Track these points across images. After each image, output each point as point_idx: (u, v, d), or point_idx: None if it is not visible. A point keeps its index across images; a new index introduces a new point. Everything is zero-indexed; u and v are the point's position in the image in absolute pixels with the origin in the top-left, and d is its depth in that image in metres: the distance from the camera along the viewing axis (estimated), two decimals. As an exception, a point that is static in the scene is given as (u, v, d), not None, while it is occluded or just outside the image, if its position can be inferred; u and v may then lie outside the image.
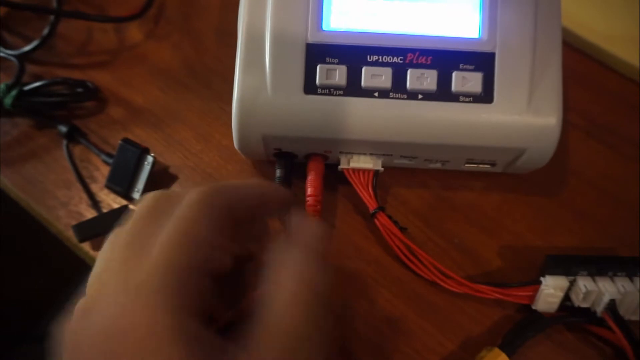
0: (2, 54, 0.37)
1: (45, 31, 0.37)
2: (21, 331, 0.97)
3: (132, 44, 0.39)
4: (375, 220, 0.31)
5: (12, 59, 0.36)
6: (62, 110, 0.36)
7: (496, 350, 0.29)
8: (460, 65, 0.28)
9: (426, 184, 0.34)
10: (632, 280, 0.29)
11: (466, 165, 0.32)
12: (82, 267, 0.35)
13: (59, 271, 0.92)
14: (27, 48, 0.37)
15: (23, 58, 0.36)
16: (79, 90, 0.36)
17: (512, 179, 0.34)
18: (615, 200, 0.34)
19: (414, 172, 0.34)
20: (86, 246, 0.33)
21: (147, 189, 0.33)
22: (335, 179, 0.33)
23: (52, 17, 0.37)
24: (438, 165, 0.33)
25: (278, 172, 0.32)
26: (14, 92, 0.34)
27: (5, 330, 0.90)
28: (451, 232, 0.33)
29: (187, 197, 0.20)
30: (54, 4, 0.38)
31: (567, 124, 0.36)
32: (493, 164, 0.32)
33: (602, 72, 0.38)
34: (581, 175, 0.35)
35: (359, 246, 0.32)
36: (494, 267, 0.32)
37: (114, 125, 0.36)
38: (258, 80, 0.28)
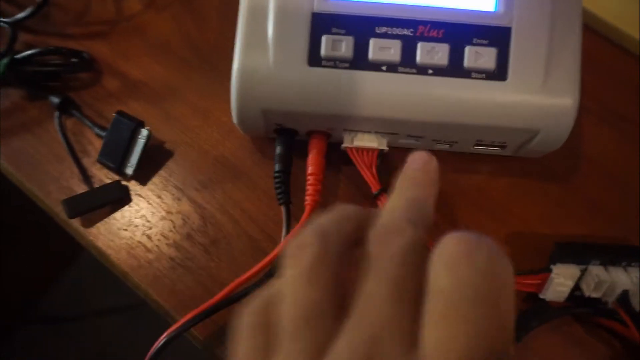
0: (-6, 21, 0.35)
1: (40, -1, 0.35)
2: (19, 311, 0.96)
3: (131, 15, 0.38)
4: (378, 202, 0.30)
5: (5, 26, 0.35)
6: (56, 81, 0.35)
7: None
8: (474, 40, 0.27)
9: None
10: None
11: (475, 147, 0.31)
12: (76, 246, 0.33)
13: (53, 248, 0.91)
14: (21, 15, 0.35)
15: (16, 26, 0.35)
16: (74, 60, 0.35)
17: (522, 163, 0.33)
18: (628, 190, 0.33)
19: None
20: (76, 222, 0.32)
21: (140, 164, 0.32)
22: (337, 158, 0.31)
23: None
24: (446, 147, 0.31)
25: (278, 149, 0.30)
26: (5, 60, 0.33)
27: (3, 311, 0.89)
28: (457, 217, 0.32)
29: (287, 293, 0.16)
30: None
31: (580, 108, 0.35)
32: (503, 147, 0.30)
33: (615, 54, 0.36)
34: (594, 162, 0.33)
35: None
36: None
37: (109, 98, 0.35)
38: (259, 51, 0.27)
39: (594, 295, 0.28)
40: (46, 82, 0.35)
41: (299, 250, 0.16)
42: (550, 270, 0.28)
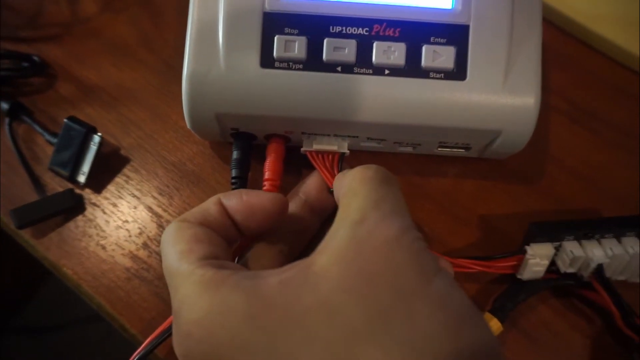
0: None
1: (-10, 0, 0.34)
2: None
3: (86, 17, 0.36)
4: (340, 207, 0.29)
5: (-49, 29, 0.33)
6: (7, 86, 0.34)
7: (487, 314, 0.27)
8: (431, 39, 0.26)
9: (397, 169, 0.32)
10: (619, 241, 0.27)
11: (439, 149, 0.30)
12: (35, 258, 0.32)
13: (31, 259, 0.90)
14: (-31, 18, 0.34)
15: (-36, 29, 0.34)
16: (25, 64, 0.33)
17: (489, 165, 0.32)
18: (597, 189, 0.32)
19: (384, 157, 0.32)
20: (26, 233, 0.30)
21: (94, 171, 0.31)
22: (298, 162, 0.30)
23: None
24: (409, 149, 0.30)
25: (234, 155, 0.29)
26: (-49, 65, 0.31)
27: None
28: (424, 221, 0.31)
29: None
30: (-2, -29, 0.35)
31: (549, 108, 0.34)
32: (467, 148, 0.30)
33: (587, 54, 0.36)
34: (562, 162, 0.33)
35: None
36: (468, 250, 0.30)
37: (63, 103, 0.34)
38: (210, 53, 0.26)
39: (570, 270, 0.27)
40: (-5, 87, 0.33)
41: None
42: (524, 252, 0.27)
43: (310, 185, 0.28)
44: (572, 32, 0.36)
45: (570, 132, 0.33)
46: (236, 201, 0.23)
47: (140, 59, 0.35)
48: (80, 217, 0.31)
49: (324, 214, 0.29)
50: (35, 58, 0.34)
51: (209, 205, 0.23)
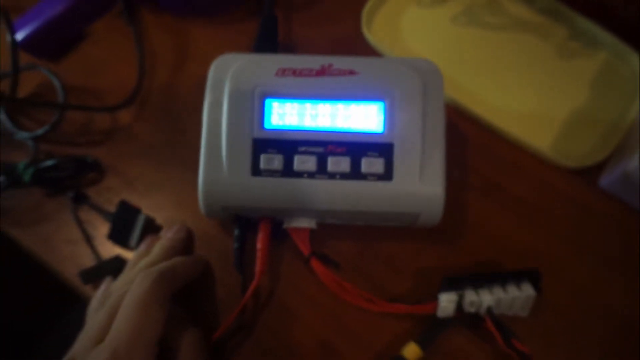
0: (20, 137, 0.47)
1: (55, 118, 0.47)
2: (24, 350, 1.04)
3: (123, 125, 0.49)
4: (311, 264, 0.41)
5: (29, 142, 0.46)
6: (69, 180, 0.46)
7: (412, 343, 0.38)
8: (368, 153, 0.38)
9: (354, 235, 0.43)
10: (504, 289, 0.39)
11: (381, 221, 0.42)
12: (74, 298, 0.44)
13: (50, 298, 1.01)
14: (40, 132, 0.47)
15: (38, 140, 0.46)
16: (82, 164, 0.46)
17: (422, 230, 0.44)
18: (501, 247, 0.43)
19: (345, 227, 0.43)
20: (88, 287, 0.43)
21: (140, 238, 0.43)
22: (281, 233, 0.42)
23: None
24: (361, 222, 0.42)
25: (236, 232, 0.42)
26: (31, 170, 0.44)
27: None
28: (374, 276, 0.42)
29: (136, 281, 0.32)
30: (61, 99, 0.47)
31: (467, 185, 0.46)
32: (401, 222, 0.42)
33: (496, 141, 0.47)
34: (477, 226, 0.44)
35: (298, 284, 0.42)
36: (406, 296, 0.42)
37: (107, 192, 0.46)
38: (217, 166, 0.38)
39: (471, 310, 0.38)
40: (61, 182, 0.46)
41: None
42: (437, 299, 0.39)
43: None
44: (485, 125, 0.48)
45: (482, 203, 0.45)
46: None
47: (164, 156, 0.47)
48: (125, 278, 0.43)
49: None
50: (88, 158, 0.46)
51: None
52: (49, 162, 0.44)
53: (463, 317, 0.39)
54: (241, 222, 0.42)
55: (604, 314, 0.41)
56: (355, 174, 0.38)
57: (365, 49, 0.51)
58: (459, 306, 0.39)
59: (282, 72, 0.39)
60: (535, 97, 0.49)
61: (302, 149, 0.38)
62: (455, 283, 0.39)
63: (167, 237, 0.40)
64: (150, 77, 0.51)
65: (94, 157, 0.47)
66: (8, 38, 0.44)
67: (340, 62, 0.39)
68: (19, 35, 0.48)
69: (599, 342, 0.40)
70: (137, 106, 0.49)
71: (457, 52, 0.51)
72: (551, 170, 0.46)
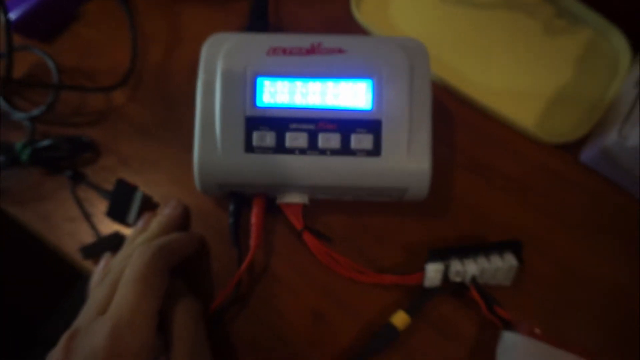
0: (17, 117, 0.47)
1: (50, 99, 0.47)
2: (26, 335, 1.06)
3: (117, 105, 0.50)
4: (303, 237, 0.42)
5: (26, 122, 0.47)
6: (66, 161, 0.47)
7: (401, 311, 0.40)
8: (357, 130, 0.39)
9: (344, 210, 0.45)
10: (488, 259, 0.41)
11: (370, 196, 0.43)
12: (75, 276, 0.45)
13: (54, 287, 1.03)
14: (36, 112, 0.47)
15: (34, 120, 0.47)
16: (78, 144, 0.47)
17: (411, 206, 0.45)
18: (485, 220, 0.45)
19: (335, 202, 0.45)
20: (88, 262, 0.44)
21: (138, 215, 0.44)
22: (275, 208, 0.44)
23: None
24: (350, 197, 0.44)
25: (231, 208, 0.43)
26: (28, 150, 0.45)
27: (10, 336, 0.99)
28: (363, 249, 0.44)
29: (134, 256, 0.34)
30: (55, 80, 0.48)
31: (454, 163, 0.47)
32: (389, 196, 0.43)
33: (483, 120, 0.49)
34: (462, 201, 0.46)
35: (291, 257, 0.44)
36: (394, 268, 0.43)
37: (104, 171, 0.47)
38: (212, 144, 0.39)
39: (457, 279, 0.40)
40: (58, 162, 0.47)
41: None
42: (424, 269, 0.40)
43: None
44: (472, 104, 0.49)
45: (469, 180, 0.47)
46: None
47: (158, 135, 0.48)
48: (123, 253, 0.44)
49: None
50: (84, 138, 0.47)
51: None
52: (46, 142, 0.45)
53: (449, 287, 0.41)
54: (236, 198, 0.43)
55: (584, 283, 0.43)
56: (345, 150, 0.39)
57: (355, 29, 0.52)
58: (445, 276, 0.41)
59: (273, 51, 0.40)
60: (520, 75, 0.50)
61: (294, 126, 0.39)
62: (441, 254, 0.40)
63: (164, 213, 0.42)
64: (143, 58, 0.51)
65: (90, 137, 0.48)
66: (2, 18, 0.44)
67: (329, 40, 0.40)
68: (12, 16, 0.49)
69: (578, 309, 0.42)
70: (131, 86, 0.50)
71: (445, 31, 0.52)
72: (534, 146, 0.48)
